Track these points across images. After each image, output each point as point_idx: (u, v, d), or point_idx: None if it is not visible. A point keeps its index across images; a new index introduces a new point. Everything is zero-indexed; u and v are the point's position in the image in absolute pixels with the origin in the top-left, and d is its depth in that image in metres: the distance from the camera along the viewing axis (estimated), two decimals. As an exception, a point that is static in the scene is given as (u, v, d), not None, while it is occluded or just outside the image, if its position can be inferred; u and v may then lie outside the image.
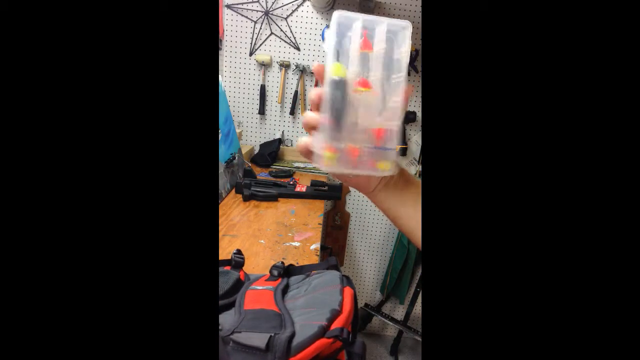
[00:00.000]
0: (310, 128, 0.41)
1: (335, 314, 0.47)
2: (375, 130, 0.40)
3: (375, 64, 0.40)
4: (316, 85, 1.95)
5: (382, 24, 0.40)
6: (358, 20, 0.39)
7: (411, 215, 0.49)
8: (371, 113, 0.40)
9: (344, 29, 0.40)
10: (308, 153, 0.41)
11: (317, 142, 0.40)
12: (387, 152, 0.41)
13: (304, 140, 0.41)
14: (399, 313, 2.29)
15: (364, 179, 0.47)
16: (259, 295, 0.55)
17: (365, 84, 0.40)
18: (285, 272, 0.65)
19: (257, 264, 0.90)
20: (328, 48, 0.40)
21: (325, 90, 0.39)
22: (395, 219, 0.51)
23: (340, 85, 0.39)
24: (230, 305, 0.54)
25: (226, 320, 0.49)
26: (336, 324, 0.46)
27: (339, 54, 0.40)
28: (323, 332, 0.44)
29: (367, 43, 0.40)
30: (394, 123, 0.40)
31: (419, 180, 0.51)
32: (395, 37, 0.40)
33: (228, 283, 0.60)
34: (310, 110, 0.42)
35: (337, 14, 0.39)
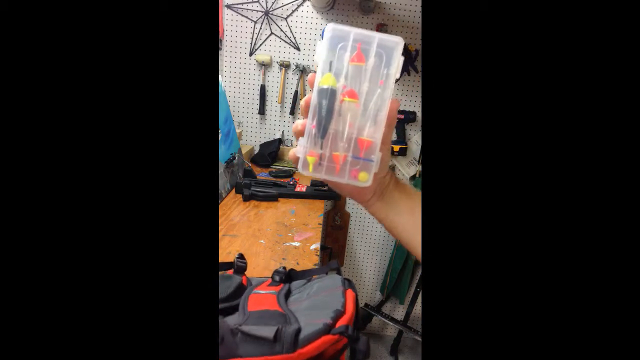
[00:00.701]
0: (299, 134, 0.42)
1: (338, 314, 0.47)
2: (360, 141, 0.42)
3: (366, 77, 0.41)
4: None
5: (374, 39, 0.41)
6: (351, 33, 0.40)
7: (407, 225, 0.49)
8: (355, 123, 0.42)
9: (336, 41, 0.41)
10: (296, 159, 0.42)
11: (302, 148, 0.41)
12: (368, 164, 0.42)
13: (293, 149, 0.43)
14: (399, 313, 2.28)
15: (359, 188, 0.47)
16: (262, 298, 0.55)
17: (352, 94, 0.41)
18: (287, 277, 0.65)
19: (257, 264, 0.90)
20: (319, 58, 0.41)
21: (312, 97, 0.41)
22: (392, 228, 0.51)
23: (326, 94, 0.40)
24: (234, 309, 0.54)
25: (230, 320, 0.49)
26: (340, 323, 0.46)
27: (331, 65, 0.41)
28: (328, 329, 0.44)
29: (360, 56, 0.41)
30: (377, 136, 0.42)
31: (415, 190, 0.51)
32: (387, 52, 0.41)
33: (231, 287, 0.59)
34: (302, 116, 0.43)
35: (331, 27, 0.40)
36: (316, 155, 0.41)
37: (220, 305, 0.54)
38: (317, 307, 0.51)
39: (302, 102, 0.42)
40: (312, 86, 0.41)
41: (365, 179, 0.42)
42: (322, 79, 0.40)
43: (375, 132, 0.42)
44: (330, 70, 0.41)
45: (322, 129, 0.41)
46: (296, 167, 0.42)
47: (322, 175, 0.42)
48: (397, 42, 0.40)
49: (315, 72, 0.41)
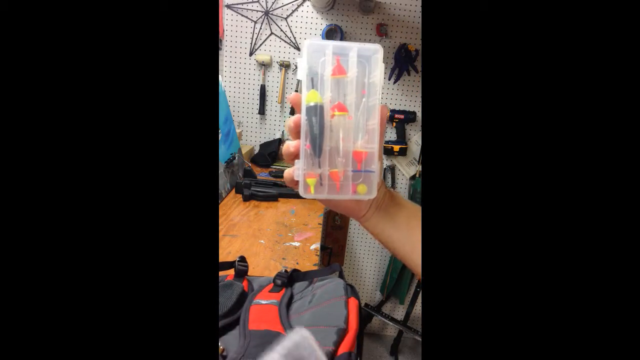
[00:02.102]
0: (291, 157, 0.41)
1: (341, 335, 0.46)
2: (356, 153, 0.41)
3: (350, 88, 0.41)
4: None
5: (353, 50, 0.40)
6: (329, 46, 0.40)
7: (404, 239, 0.48)
8: (349, 136, 0.41)
9: (316, 57, 0.40)
10: (292, 182, 0.41)
11: (299, 170, 0.40)
12: (369, 175, 0.41)
13: (288, 171, 0.41)
14: (399, 313, 2.29)
15: (354, 203, 0.46)
16: (263, 313, 0.55)
17: (341, 107, 0.40)
18: (289, 280, 0.65)
19: (257, 264, 0.90)
20: (301, 76, 0.40)
21: (302, 117, 0.39)
22: (388, 243, 0.49)
23: (316, 111, 0.39)
24: (235, 324, 0.54)
25: (231, 343, 0.49)
26: (343, 347, 0.45)
27: (314, 81, 0.40)
28: (331, 358, 0.43)
29: (340, 68, 0.40)
30: (372, 146, 0.41)
31: (411, 203, 0.50)
32: (368, 61, 0.41)
33: (232, 299, 0.58)
34: (290, 138, 0.41)
35: (308, 43, 0.39)
36: (315, 175, 0.40)
37: (221, 323, 0.53)
38: (319, 319, 0.50)
39: (290, 123, 0.40)
40: (296, 106, 0.40)
41: (365, 191, 0.41)
42: (307, 97, 0.39)
43: (369, 141, 0.41)
44: (313, 86, 0.40)
45: (318, 148, 0.39)
46: (295, 191, 0.41)
47: (324, 196, 0.41)
48: (376, 50, 0.40)
49: (296, 91, 0.40)
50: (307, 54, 0.40)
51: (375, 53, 0.40)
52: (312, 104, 0.39)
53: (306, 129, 0.39)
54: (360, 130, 0.41)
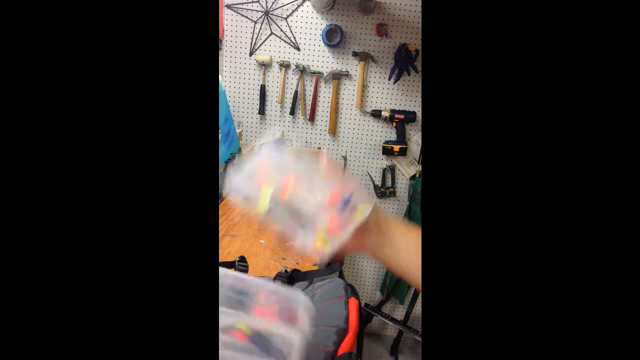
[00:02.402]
0: (283, 237, 0.45)
1: (341, 335, 0.47)
2: (330, 198, 0.44)
3: (281, 170, 0.44)
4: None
5: (261, 148, 0.44)
6: (245, 163, 0.44)
7: (396, 252, 0.49)
8: (316, 192, 0.44)
9: (242, 174, 0.44)
10: (307, 253, 0.44)
11: (303, 243, 0.43)
12: (353, 199, 0.44)
13: (299, 246, 0.45)
14: (399, 313, 2.28)
15: (358, 240, 0.48)
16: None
17: (284, 188, 0.43)
18: (289, 280, 0.65)
19: (257, 264, 0.90)
20: (247, 193, 0.44)
21: (272, 214, 0.43)
22: (384, 258, 0.51)
23: (275, 207, 0.43)
24: None
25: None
26: (343, 347, 0.46)
27: (253, 189, 0.44)
28: (331, 358, 0.44)
29: (264, 170, 0.44)
30: (334, 180, 0.44)
31: (394, 217, 0.51)
32: (278, 144, 0.45)
33: None
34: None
35: (228, 189, 0.43)
36: (319, 234, 0.43)
37: None
38: (319, 319, 0.51)
39: (274, 237, 0.45)
40: (257, 217, 0.43)
41: (362, 212, 0.44)
42: (259, 206, 0.43)
43: (329, 181, 0.44)
44: (255, 193, 0.44)
45: (304, 226, 0.43)
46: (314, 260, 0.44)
47: (340, 242, 0.43)
48: (278, 137, 0.44)
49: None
50: (236, 180, 0.43)
51: (278, 139, 0.45)
52: (268, 204, 0.43)
53: (279, 219, 0.43)
54: (318, 182, 0.44)
